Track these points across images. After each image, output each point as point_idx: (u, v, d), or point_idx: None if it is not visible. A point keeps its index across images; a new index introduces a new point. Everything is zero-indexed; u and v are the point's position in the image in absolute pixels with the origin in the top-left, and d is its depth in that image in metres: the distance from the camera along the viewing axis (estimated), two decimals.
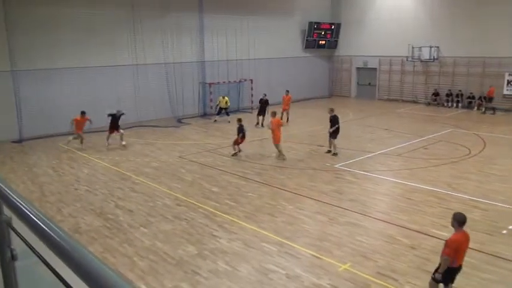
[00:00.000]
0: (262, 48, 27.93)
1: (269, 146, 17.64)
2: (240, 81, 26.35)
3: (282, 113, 21.57)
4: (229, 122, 22.27)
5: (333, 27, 31.86)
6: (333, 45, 32.56)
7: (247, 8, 26.56)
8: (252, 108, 25.98)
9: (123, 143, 17.32)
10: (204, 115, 24.91)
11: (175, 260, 8.42)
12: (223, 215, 10.63)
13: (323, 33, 31.52)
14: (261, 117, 21.18)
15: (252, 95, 26.14)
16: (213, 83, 24.80)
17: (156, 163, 15.37)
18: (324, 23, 31.32)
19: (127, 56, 22.17)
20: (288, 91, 22.68)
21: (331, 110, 16.05)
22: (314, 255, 8.54)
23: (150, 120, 22.96)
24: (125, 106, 22.23)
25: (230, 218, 10.45)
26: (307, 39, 30.76)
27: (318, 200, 11.56)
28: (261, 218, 10.45)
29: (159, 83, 23.60)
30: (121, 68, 22.12)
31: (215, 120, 22.99)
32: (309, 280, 7.65)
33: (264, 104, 21.32)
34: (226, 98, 23.06)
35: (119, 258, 8.55)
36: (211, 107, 24.71)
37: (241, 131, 16.08)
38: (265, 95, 21.78)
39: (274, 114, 15.98)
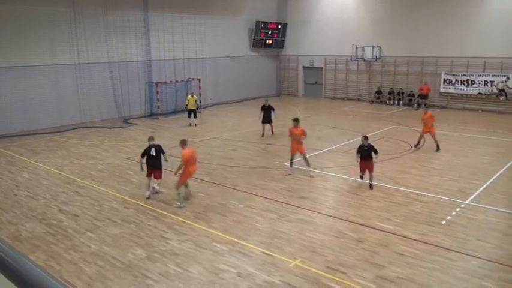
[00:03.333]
0: (209, 47, 27.79)
1: (217, 145, 17.59)
2: (187, 81, 26.04)
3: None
4: (195, 125, 21.62)
5: (279, 26, 32.23)
6: (280, 44, 32.95)
7: (193, 6, 26.32)
8: (200, 108, 25.73)
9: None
10: (151, 115, 24.39)
11: (124, 265, 8.19)
12: (173, 216, 10.46)
13: (270, 32, 31.82)
14: (267, 125, 19.05)
15: (200, 95, 25.89)
16: (160, 83, 24.34)
17: (102, 165, 14.87)
18: (270, 22, 31.62)
19: (68, 54, 21.27)
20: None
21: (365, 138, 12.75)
22: (265, 253, 8.60)
23: (95, 121, 22.18)
24: (67, 106, 21.45)
25: (180, 219, 10.30)
26: (254, 39, 30.93)
27: (269, 198, 11.65)
28: (212, 217, 10.38)
29: (104, 82, 22.86)
30: (62, 67, 21.19)
31: (195, 125, 21.59)
32: (260, 278, 7.69)
33: (268, 111, 18.86)
34: (195, 96, 22.11)
35: (65, 265, 8.19)
36: (158, 107, 24.27)
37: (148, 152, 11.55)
38: (267, 101, 19.40)
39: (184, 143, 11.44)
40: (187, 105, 21.90)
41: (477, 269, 8.01)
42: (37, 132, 19.60)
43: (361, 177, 12.61)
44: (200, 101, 25.64)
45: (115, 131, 20.60)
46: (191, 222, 10.09)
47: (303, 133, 13.44)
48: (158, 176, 11.72)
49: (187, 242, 9.08)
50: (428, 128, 16.42)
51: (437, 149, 16.26)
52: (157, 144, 11.71)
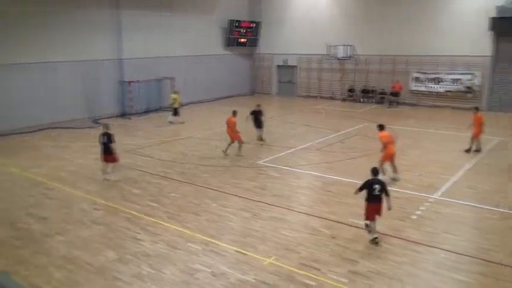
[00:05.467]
0: (183, 46, 27.54)
1: (190, 145, 17.46)
2: (160, 80, 25.76)
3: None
4: (181, 123, 21.60)
5: (253, 25, 32.23)
6: (253, 43, 32.95)
7: (166, 4, 26.02)
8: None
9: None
10: (123, 115, 23.99)
11: (95, 268, 8.03)
12: (145, 217, 10.32)
13: (243, 31, 31.77)
14: (258, 130, 17.86)
15: (174, 93, 25.64)
16: (132, 82, 23.97)
17: (71, 167, 14.52)
18: (244, 21, 31.59)
19: (35, 53, 20.68)
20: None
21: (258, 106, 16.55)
22: (239, 252, 8.59)
23: (64, 121, 21.64)
24: (34, 107, 20.86)
25: (153, 219, 10.17)
26: (228, 37, 30.84)
27: (242, 197, 11.63)
28: (185, 217, 10.29)
29: (73, 81, 22.35)
30: (28, 66, 20.56)
31: (182, 123, 21.64)
32: (234, 276, 7.67)
33: (257, 116, 17.69)
34: (178, 95, 21.83)
35: (32, 270, 7.97)
36: (131, 106, 23.92)
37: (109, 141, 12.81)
38: (259, 106, 17.98)
39: (382, 127, 12.97)
40: (173, 103, 21.61)
41: (446, 261, 8.20)
42: (2, 134, 19.00)
43: (367, 225, 8.97)
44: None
45: (85, 131, 20.16)
46: (164, 223, 9.98)
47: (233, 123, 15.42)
48: (110, 160, 12.89)
49: (161, 243, 8.98)
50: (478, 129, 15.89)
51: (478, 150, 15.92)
52: (108, 133, 12.78)
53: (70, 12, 21.80)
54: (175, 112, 21.57)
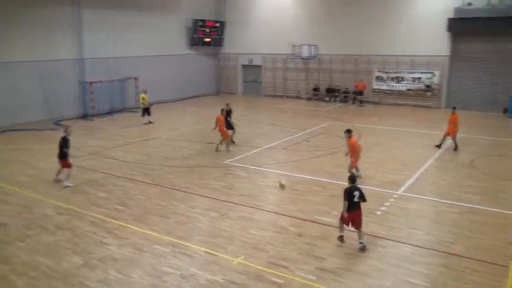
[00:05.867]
0: (146, 45, 27.08)
1: (156, 145, 17.25)
2: (123, 80, 25.29)
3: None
4: (151, 122, 21.32)
5: (217, 25, 32.11)
6: (218, 42, 32.84)
7: (129, 3, 25.55)
8: (138, 107, 25.10)
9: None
10: (85, 116, 23.39)
11: (59, 274, 7.81)
12: (111, 220, 10.12)
13: (208, 30, 31.60)
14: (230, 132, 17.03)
15: (137, 94, 25.24)
16: (94, 82, 23.41)
17: (32, 170, 14.05)
18: (208, 20, 31.43)
19: None
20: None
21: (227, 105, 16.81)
22: (208, 252, 8.56)
23: (23, 123, 20.88)
24: None
25: (119, 223, 9.99)
26: (192, 37, 30.60)
27: (210, 197, 11.60)
28: (152, 220, 10.16)
29: (32, 82, 21.58)
30: None
31: (150, 122, 21.39)
32: (203, 277, 7.65)
33: (227, 116, 16.86)
34: (147, 94, 21.46)
35: None
36: (93, 107, 23.38)
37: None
38: (228, 105, 17.52)
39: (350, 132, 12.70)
40: (142, 103, 21.30)
41: (409, 255, 8.46)
42: None
43: (342, 237, 8.83)
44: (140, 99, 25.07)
45: (45, 133, 19.53)
46: (131, 226, 9.82)
47: None
48: (64, 165, 12.56)
49: (128, 246, 8.83)
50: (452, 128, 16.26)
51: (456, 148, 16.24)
52: (66, 137, 12.56)
53: (28, 11, 21.05)
54: (145, 112, 21.26)
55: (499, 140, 18.05)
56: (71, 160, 12.64)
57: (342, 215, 8.70)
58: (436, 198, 11.50)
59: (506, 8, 23.04)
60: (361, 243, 8.62)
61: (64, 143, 12.45)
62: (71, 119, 22.62)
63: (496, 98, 24.22)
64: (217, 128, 16.10)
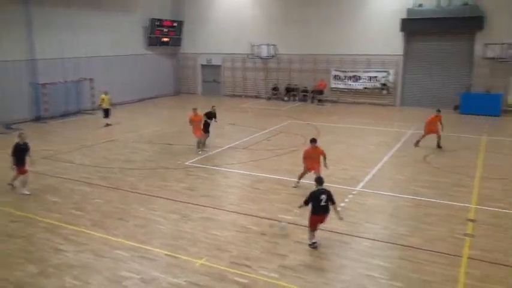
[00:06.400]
0: (102, 46, 26.37)
1: (114, 148, 16.85)
2: (78, 81, 24.53)
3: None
4: (109, 125, 20.75)
5: (175, 24, 31.74)
6: (176, 42, 32.46)
7: (82, 2, 24.78)
8: (94, 110, 24.46)
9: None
10: (38, 119, 22.49)
11: (12, 284, 7.47)
12: (68, 226, 9.79)
13: (166, 30, 31.18)
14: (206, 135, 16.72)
15: (93, 95, 24.59)
16: (47, 84, 22.55)
17: None
18: (166, 20, 31.00)
19: None
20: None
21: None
22: (170, 255, 8.44)
23: None
24: None
25: (77, 228, 9.67)
26: (149, 37, 30.08)
27: (171, 199, 11.44)
28: (111, 224, 9.91)
29: None
30: None
31: (108, 124, 20.81)
32: (166, 281, 7.53)
33: (209, 118, 16.76)
34: (109, 94, 20.87)
35: None
36: (46, 110, 22.54)
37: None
38: (214, 107, 17.34)
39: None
40: (101, 104, 20.81)
41: (368, 249, 8.68)
42: None
43: (314, 243, 8.69)
44: (93, 102, 24.39)
45: None
46: (89, 231, 9.53)
47: None
48: (20, 172, 11.90)
49: (86, 252, 8.57)
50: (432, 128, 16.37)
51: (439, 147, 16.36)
52: (22, 144, 11.89)
53: None
54: (106, 113, 20.77)
55: (450, 135, 18.78)
56: (27, 166, 12.02)
57: (310, 227, 8.60)
58: (393, 193, 11.85)
59: (455, 8, 24.07)
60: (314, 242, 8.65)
61: (24, 151, 11.77)
62: (23, 122, 21.70)
63: (447, 95, 25.23)
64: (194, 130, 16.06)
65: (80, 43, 24.95)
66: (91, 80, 24.87)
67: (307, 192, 8.82)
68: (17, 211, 10.66)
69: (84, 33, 25.15)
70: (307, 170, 11.96)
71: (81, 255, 8.45)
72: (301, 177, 12.23)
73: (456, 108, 24.61)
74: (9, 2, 21.37)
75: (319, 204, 8.39)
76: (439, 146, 16.41)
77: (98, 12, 25.93)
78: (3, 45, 21.37)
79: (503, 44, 23.16)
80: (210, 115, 16.90)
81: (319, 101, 27.89)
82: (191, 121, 16.17)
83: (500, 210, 10.58)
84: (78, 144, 17.43)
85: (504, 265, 8.01)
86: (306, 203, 8.52)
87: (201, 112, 16.76)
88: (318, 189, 8.53)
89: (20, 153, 11.73)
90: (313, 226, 8.62)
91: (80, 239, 9.17)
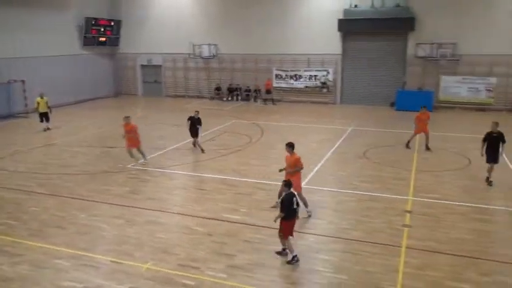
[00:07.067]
0: (34, 45, 25.00)
1: (52, 152, 16.09)
2: (9, 83, 23.13)
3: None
4: (49, 129, 19.73)
5: (112, 23, 30.76)
6: (114, 42, 31.48)
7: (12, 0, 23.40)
8: (27, 113, 23.18)
9: None
10: None
11: None
12: (2, 237, 9.22)
13: (102, 29, 30.14)
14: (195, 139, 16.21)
15: (25, 98, 23.29)
16: None
17: None
18: (102, 19, 29.96)
19: None
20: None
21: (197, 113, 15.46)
22: (114, 261, 8.19)
23: None
24: None
25: (12, 239, 9.13)
26: (85, 36, 28.93)
27: (114, 204, 11.10)
28: (50, 232, 9.46)
29: None
30: None
31: (48, 128, 19.76)
32: None
33: (194, 122, 16.04)
34: (45, 98, 19.68)
35: None
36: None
37: None
38: (198, 112, 16.30)
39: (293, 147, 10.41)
40: (37, 108, 19.66)
41: (313, 244, 8.90)
42: None
43: (285, 249, 8.37)
44: (26, 105, 23.13)
45: None
46: (25, 241, 9.03)
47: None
48: None
49: (23, 264, 8.12)
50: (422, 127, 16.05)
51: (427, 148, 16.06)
52: None
53: None
54: (42, 117, 19.69)
55: (387, 131, 19.67)
56: None
57: (282, 229, 8.12)
58: (336, 189, 12.22)
59: (388, 10, 25.20)
60: (285, 249, 8.32)
61: None
62: None
63: (383, 93, 26.36)
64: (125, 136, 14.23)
65: (10, 42, 23.55)
66: (23, 81, 23.54)
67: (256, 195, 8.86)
68: None
69: (14, 33, 23.77)
70: None
71: (18, 267, 7.99)
72: None
73: (392, 104, 25.79)
74: None
75: (292, 207, 8.08)
76: (427, 148, 16.01)
77: (29, 10, 24.57)
78: None
79: (433, 43, 24.56)
80: (193, 120, 15.93)
81: (271, 100, 27.82)
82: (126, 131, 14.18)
83: (433, 200, 11.23)
84: (11, 150, 16.46)
85: (439, 252, 8.51)
86: (283, 210, 8.00)
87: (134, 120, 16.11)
88: (289, 193, 8.17)
89: None
90: (289, 232, 8.17)
91: (16, 250, 8.67)
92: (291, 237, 8.21)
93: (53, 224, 9.92)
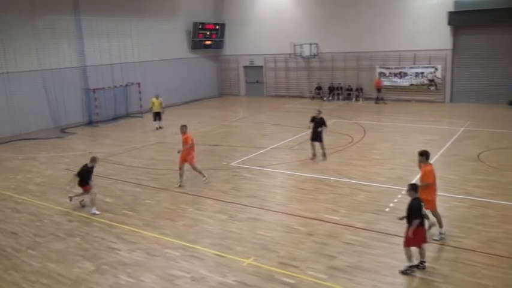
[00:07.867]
0: (147, 51, 27.21)
1: (162, 150, 17.30)
2: (126, 85, 25.37)
3: None
4: (161, 128, 21.28)
5: (217, 27, 32.19)
6: (219, 45, 32.91)
7: (127, 9, 25.66)
8: (141, 113, 25.24)
9: None
10: (90, 123, 23.51)
11: (71, 280, 7.85)
12: (120, 225, 10.16)
13: (208, 33, 31.69)
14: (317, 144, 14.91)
15: (140, 99, 25.35)
16: (97, 89, 23.53)
17: (40, 178, 14.13)
18: (208, 23, 31.49)
19: None
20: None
21: (319, 112, 14.40)
22: (218, 255, 8.57)
23: (30, 133, 21.04)
24: None
25: (128, 228, 10.02)
26: (193, 40, 30.67)
27: (218, 200, 11.61)
28: (162, 224, 10.19)
29: (37, 91, 21.75)
30: None
31: (160, 127, 21.26)
32: (214, 280, 7.65)
33: (318, 125, 14.88)
34: (160, 98, 21.27)
35: (5, 287, 7.72)
36: (98, 114, 23.48)
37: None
38: (320, 112, 15.11)
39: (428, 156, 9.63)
40: (151, 107, 21.44)
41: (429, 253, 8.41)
42: None
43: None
44: (141, 106, 25.15)
45: (52, 141, 19.65)
46: (140, 231, 9.85)
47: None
48: (84, 190, 11.25)
49: (138, 251, 8.86)
50: None
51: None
52: (90, 166, 11.23)
53: (29, 20, 21.18)
54: (156, 117, 21.32)
55: (506, 131, 17.93)
56: (92, 183, 11.33)
57: (409, 237, 7.50)
58: (445, 193, 11.40)
59: None
60: (423, 262, 7.73)
61: (89, 174, 11.13)
62: (77, 126, 22.77)
63: (501, 90, 24.08)
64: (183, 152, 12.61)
65: (127, 49, 25.84)
66: (138, 84, 25.65)
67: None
68: (74, 211, 11.18)
69: (131, 39, 26.03)
70: None
71: (133, 254, 8.74)
72: None
73: (511, 103, 23.47)
74: (62, 13, 22.42)
75: (421, 214, 7.51)
76: None
77: (143, 18, 26.72)
78: (59, 53, 22.49)
79: None
80: (316, 121, 14.81)
81: (382, 99, 26.89)
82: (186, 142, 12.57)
83: None
84: (128, 147, 18.03)
85: None
86: (417, 216, 7.40)
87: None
88: (416, 198, 7.60)
89: (85, 174, 11.11)
90: (423, 239, 7.66)
91: (132, 238, 9.48)
92: (424, 244, 7.64)
93: (164, 215, 10.67)
